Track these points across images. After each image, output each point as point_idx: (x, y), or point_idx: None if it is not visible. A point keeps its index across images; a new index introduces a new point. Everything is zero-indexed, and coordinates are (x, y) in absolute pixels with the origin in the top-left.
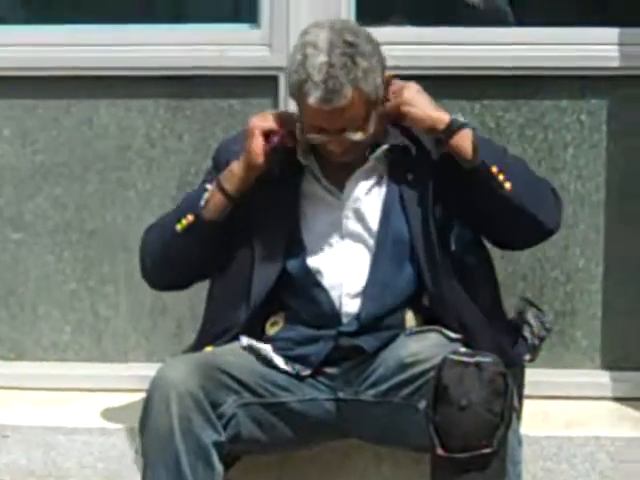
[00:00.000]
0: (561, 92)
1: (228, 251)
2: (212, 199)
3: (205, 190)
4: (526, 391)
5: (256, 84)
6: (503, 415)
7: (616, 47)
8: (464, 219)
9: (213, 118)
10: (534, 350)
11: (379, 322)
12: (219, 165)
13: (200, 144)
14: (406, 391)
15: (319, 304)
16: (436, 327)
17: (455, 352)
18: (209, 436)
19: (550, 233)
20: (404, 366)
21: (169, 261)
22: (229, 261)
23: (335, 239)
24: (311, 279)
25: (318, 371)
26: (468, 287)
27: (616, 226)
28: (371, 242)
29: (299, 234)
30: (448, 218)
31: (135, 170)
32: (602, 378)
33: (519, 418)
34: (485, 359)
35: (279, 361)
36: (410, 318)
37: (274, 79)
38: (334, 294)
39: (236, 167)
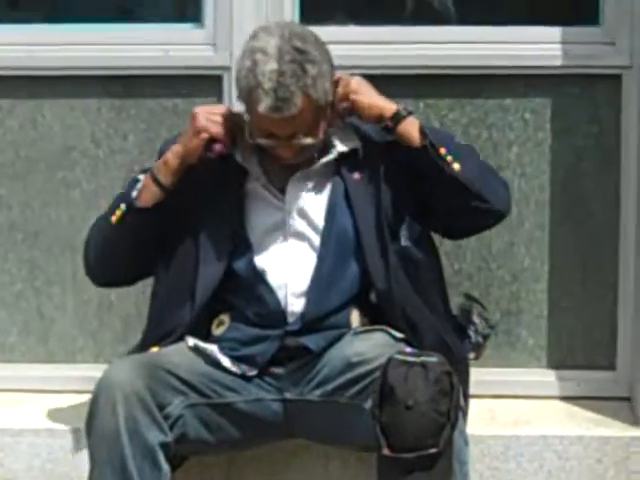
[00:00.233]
0: (505, 91)
1: (167, 245)
2: (145, 189)
3: (137, 181)
4: (473, 390)
5: (200, 83)
6: (449, 415)
7: (559, 46)
8: (415, 209)
9: (158, 118)
10: (478, 348)
11: (324, 321)
12: None
13: (145, 144)
14: (352, 391)
15: (265, 304)
16: (382, 327)
17: (401, 352)
18: (155, 437)
19: (501, 217)
20: (350, 366)
21: (108, 254)
22: (172, 259)
23: (279, 239)
24: (257, 278)
25: (264, 371)
26: (415, 284)
27: (561, 225)
28: (316, 241)
29: (244, 233)
30: (398, 213)
31: (80, 170)
32: (548, 377)
33: (465, 417)
34: (431, 359)
35: (225, 361)
36: (356, 317)
37: (218, 78)
38: (280, 293)
39: (170, 159)
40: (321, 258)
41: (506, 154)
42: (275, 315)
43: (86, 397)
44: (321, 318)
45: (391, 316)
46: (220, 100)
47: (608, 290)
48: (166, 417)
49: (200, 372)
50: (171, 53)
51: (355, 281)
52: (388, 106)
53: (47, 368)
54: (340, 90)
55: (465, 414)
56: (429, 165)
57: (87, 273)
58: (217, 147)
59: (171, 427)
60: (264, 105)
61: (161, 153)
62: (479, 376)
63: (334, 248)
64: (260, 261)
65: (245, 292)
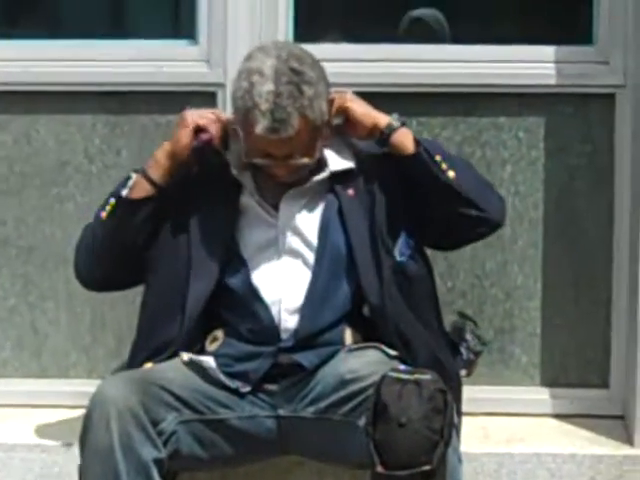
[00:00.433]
0: (499, 109)
1: (156, 254)
2: (136, 186)
3: (129, 178)
4: (466, 408)
5: (194, 100)
6: (443, 432)
7: (553, 65)
8: (410, 223)
9: (151, 134)
10: (470, 365)
11: (318, 338)
12: None
13: (138, 160)
14: (345, 408)
15: (259, 320)
16: (375, 344)
17: (394, 369)
18: (149, 453)
19: (496, 226)
20: (343, 383)
21: (97, 252)
22: (163, 271)
23: (273, 255)
24: (251, 294)
25: (258, 388)
26: (409, 299)
27: (554, 243)
28: (310, 258)
29: (237, 249)
30: (393, 228)
31: (73, 185)
32: (542, 395)
33: (458, 435)
34: (424, 376)
35: (220, 375)
36: (349, 335)
37: (212, 95)
38: (273, 310)
39: (160, 155)
40: (315, 275)
41: (500, 172)
42: (268, 331)
43: (79, 412)
44: (314, 335)
45: (384, 332)
46: None
47: (601, 308)
48: (160, 433)
49: (194, 388)
50: (165, 69)
51: (347, 298)
52: (381, 117)
53: (40, 383)
54: (335, 101)
55: (458, 431)
56: (424, 172)
57: (77, 276)
58: (204, 136)
59: (165, 443)
60: (261, 126)
61: None
62: (472, 394)
63: (328, 265)
64: (254, 277)
65: (239, 308)
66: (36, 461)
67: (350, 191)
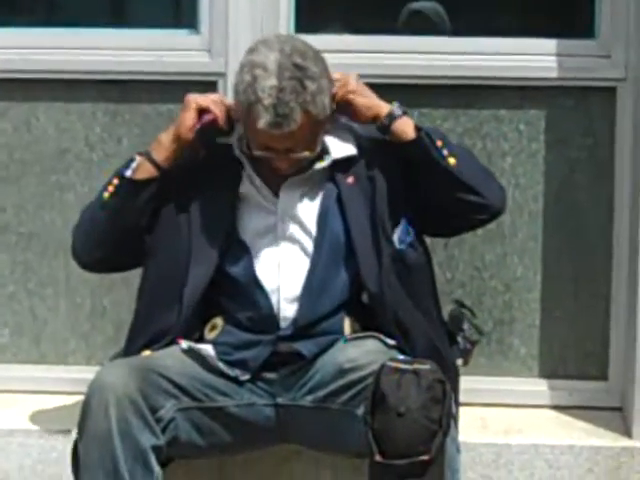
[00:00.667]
0: (499, 102)
1: (160, 241)
2: (139, 167)
3: (133, 160)
4: (464, 398)
5: (195, 89)
6: (441, 422)
7: (554, 58)
8: (410, 208)
9: (152, 123)
10: (466, 355)
11: (317, 327)
12: None
13: (139, 148)
14: (344, 397)
15: (258, 308)
16: (374, 333)
17: (393, 359)
18: (148, 439)
19: (496, 213)
20: (342, 372)
21: (96, 230)
22: (162, 257)
23: (272, 243)
24: (251, 282)
25: (257, 376)
26: (408, 287)
27: (554, 235)
28: (308, 246)
29: (236, 235)
30: (393, 216)
31: (74, 173)
32: (540, 386)
33: (456, 424)
34: (423, 366)
35: (219, 363)
36: (348, 324)
37: (213, 84)
38: (272, 298)
39: (164, 137)
40: (314, 263)
41: (500, 164)
42: (268, 320)
43: (78, 398)
44: (313, 324)
45: (383, 320)
46: None
47: (600, 300)
48: (158, 420)
49: (192, 376)
50: (166, 59)
51: (346, 286)
52: (383, 106)
53: (39, 369)
54: (337, 90)
55: (456, 421)
56: (424, 158)
57: (74, 257)
58: (207, 116)
59: (163, 430)
60: (263, 121)
61: None
62: (471, 384)
63: (326, 253)
64: (253, 265)
65: (238, 296)
66: (34, 447)
67: (350, 179)
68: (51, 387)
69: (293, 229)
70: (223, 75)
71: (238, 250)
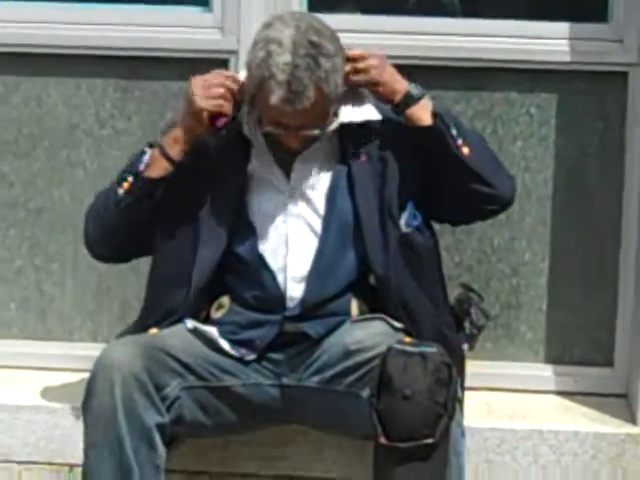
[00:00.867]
0: (511, 85)
1: (166, 223)
2: (154, 163)
3: (144, 153)
4: (470, 383)
5: (207, 67)
6: (446, 405)
7: (567, 42)
8: (419, 195)
9: (163, 100)
10: (472, 339)
11: (324, 307)
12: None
13: (149, 126)
14: (350, 379)
15: (265, 287)
16: (381, 315)
17: (400, 341)
18: (152, 418)
19: (506, 204)
20: (348, 353)
21: (110, 226)
22: (172, 239)
23: (281, 222)
24: (257, 261)
25: (263, 356)
26: (414, 271)
27: (563, 220)
28: (317, 225)
29: (245, 214)
30: (401, 198)
31: (83, 149)
32: (546, 372)
33: (462, 408)
34: (430, 349)
35: (224, 344)
36: (355, 305)
37: (225, 62)
38: (279, 277)
39: (180, 136)
40: (322, 243)
41: (510, 148)
42: (274, 299)
43: (83, 376)
44: (321, 304)
45: (389, 303)
46: None
47: (608, 287)
48: (163, 399)
49: (198, 355)
50: (178, 36)
51: (354, 267)
52: (401, 87)
53: (45, 345)
54: (360, 65)
55: (462, 405)
56: (439, 145)
57: (86, 244)
58: (219, 123)
59: (168, 409)
60: (276, 97)
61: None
62: (476, 369)
63: (335, 233)
64: (260, 244)
65: (245, 275)
66: (39, 423)
67: (362, 157)
68: (56, 364)
69: (302, 208)
70: (235, 53)
71: (246, 230)
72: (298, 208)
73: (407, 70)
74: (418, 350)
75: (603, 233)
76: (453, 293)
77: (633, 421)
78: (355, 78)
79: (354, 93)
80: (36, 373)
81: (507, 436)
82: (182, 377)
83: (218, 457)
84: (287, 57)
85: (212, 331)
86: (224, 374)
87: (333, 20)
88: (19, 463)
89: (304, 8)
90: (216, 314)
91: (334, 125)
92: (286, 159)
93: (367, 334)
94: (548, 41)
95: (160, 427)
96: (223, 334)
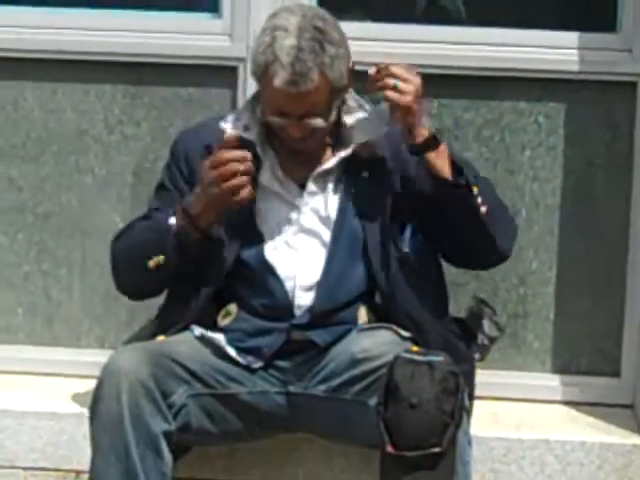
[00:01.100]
0: (520, 94)
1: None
2: (184, 232)
3: (171, 215)
4: (476, 391)
5: (215, 74)
6: (454, 414)
7: (576, 51)
8: (422, 230)
9: (172, 106)
10: (484, 350)
11: (332, 316)
12: (178, 156)
13: (158, 132)
14: (357, 387)
15: (273, 295)
16: (389, 324)
17: (407, 350)
18: (159, 425)
19: (505, 260)
20: (355, 362)
21: (143, 284)
22: None
23: (290, 233)
24: (266, 270)
25: (270, 364)
26: (417, 289)
27: (570, 229)
28: (327, 238)
29: (255, 225)
30: (403, 219)
31: (92, 155)
32: (552, 381)
33: (469, 417)
34: (437, 358)
35: (231, 352)
36: (363, 314)
37: (234, 69)
38: (288, 286)
39: (207, 209)
40: (331, 253)
41: (519, 157)
42: (282, 307)
43: (90, 382)
44: (329, 313)
45: (396, 316)
46: (234, 91)
47: (615, 297)
48: (170, 406)
49: (205, 362)
50: (187, 42)
51: (362, 279)
52: (425, 128)
53: (52, 351)
54: (402, 85)
55: (469, 414)
56: (455, 201)
57: (118, 289)
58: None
59: (174, 416)
60: (280, 79)
61: (176, 144)
62: (483, 378)
63: (345, 245)
64: (269, 253)
65: (253, 283)
66: (46, 429)
67: (365, 174)
68: (63, 370)
69: (313, 222)
70: (243, 60)
71: (255, 238)
72: (307, 222)
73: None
74: (425, 359)
75: (611, 242)
76: (460, 301)
77: (639, 431)
78: (393, 96)
79: (373, 119)
80: (43, 379)
81: (513, 446)
82: (189, 384)
83: (224, 465)
84: (292, 40)
85: (219, 338)
86: (231, 382)
87: (343, 28)
88: (25, 469)
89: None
90: (223, 321)
91: (350, 149)
92: (298, 175)
93: (374, 343)
94: (557, 51)
95: (167, 434)
96: (230, 341)
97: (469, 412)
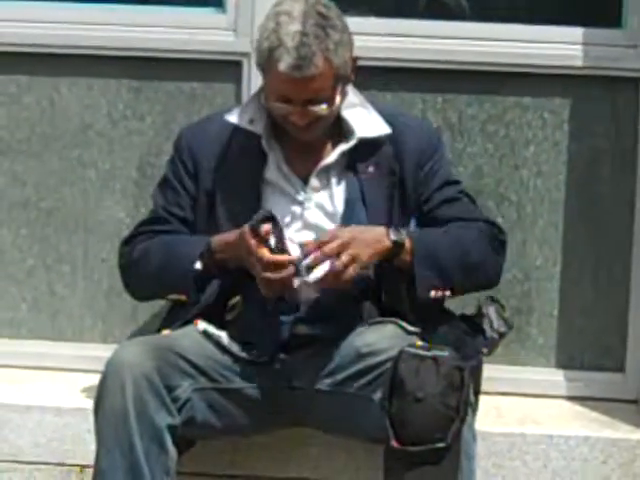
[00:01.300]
0: (524, 89)
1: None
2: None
3: (196, 259)
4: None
5: (220, 69)
6: (458, 409)
7: (580, 47)
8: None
9: (175, 101)
10: (491, 345)
11: (336, 311)
12: (181, 151)
13: (162, 126)
14: (362, 382)
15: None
16: (394, 319)
17: (412, 345)
18: (163, 419)
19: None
20: (360, 356)
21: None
22: None
23: (295, 229)
24: None
25: (274, 358)
26: None
27: (575, 225)
28: None
29: None
30: (404, 212)
31: (96, 150)
32: (556, 376)
33: (474, 412)
34: (442, 353)
35: (234, 347)
36: (368, 309)
37: (238, 64)
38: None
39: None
40: None
41: (523, 152)
42: (287, 302)
43: (93, 376)
44: (334, 308)
45: (401, 312)
46: (239, 86)
47: (620, 292)
48: (174, 400)
49: (209, 356)
50: (191, 37)
51: (369, 274)
52: (386, 243)
53: (55, 346)
54: (334, 246)
55: (474, 409)
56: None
57: (126, 291)
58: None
59: (179, 410)
60: (285, 64)
61: (179, 140)
62: (487, 373)
63: None
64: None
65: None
66: (50, 424)
67: (371, 169)
68: (67, 364)
69: (318, 218)
70: (248, 55)
71: None
72: (313, 217)
73: (421, 73)
74: (430, 354)
75: (615, 238)
76: (467, 300)
77: None
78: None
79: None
80: (47, 374)
81: (517, 441)
82: (193, 378)
83: (228, 459)
84: (297, 26)
85: (221, 335)
86: (235, 376)
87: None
88: (29, 464)
89: None
90: (228, 315)
91: (351, 143)
92: (303, 170)
93: (379, 337)
94: (562, 46)
95: (171, 428)
96: (234, 336)
97: (474, 407)
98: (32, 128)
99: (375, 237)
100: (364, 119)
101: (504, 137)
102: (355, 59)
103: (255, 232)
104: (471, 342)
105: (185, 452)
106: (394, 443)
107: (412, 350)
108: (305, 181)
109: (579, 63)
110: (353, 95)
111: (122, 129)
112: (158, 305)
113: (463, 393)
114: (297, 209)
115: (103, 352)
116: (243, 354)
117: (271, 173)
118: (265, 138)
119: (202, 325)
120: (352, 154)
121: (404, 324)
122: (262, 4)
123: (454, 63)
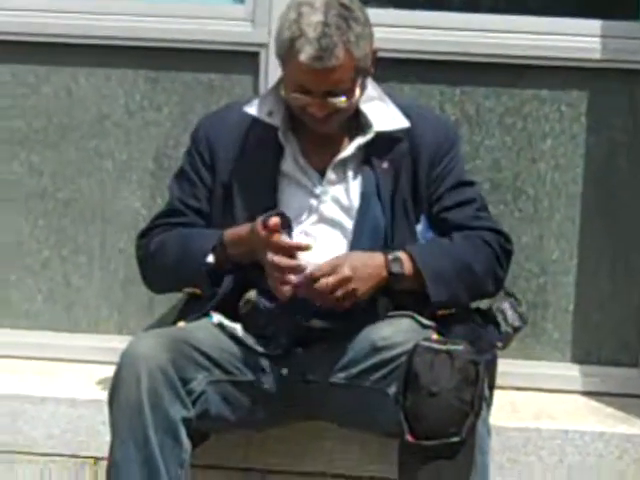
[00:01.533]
0: (542, 82)
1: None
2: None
3: (209, 252)
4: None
5: (237, 59)
6: (473, 404)
7: (599, 39)
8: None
9: (193, 92)
10: (506, 339)
11: (352, 305)
12: (198, 142)
13: (179, 117)
14: (376, 375)
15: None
16: (409, 313)
17: (427, 339)
18: (178, 411)
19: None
20: (375, 350)
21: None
22: None
23: (311, 222)
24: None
25: (289, 351)
26: None
27: (592, 218)
28: (348, 228)
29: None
30: (417, 209)
31: (113, 140)
32: (572, 371)
33: (489, 407)
34: (457, 347)
35: (249, 340)
36: (383, 303)
37: (255, 55)
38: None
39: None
40: (354, 243)
41: (540, 145)
42: (302, 295)
43: (109, 368)
44: None
45: (416, 306)
46: (256, 77)
47: (637, 286)
48: (189, 392)
49: (224, 349)
50: (209, 27)
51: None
52: (383, 274)
53: (71, 337)
54: (332, 280)
55: (489, 403)
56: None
57: (144, 283)
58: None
59: (193, 403)
60: (305, 54)
61: (197, 130)
62: (503, 367)
63: (366, 235)
64: (290, 240)
65: None
66: (64, 415)
67: (384, 164)
68: (82, 356)
69: (334, 212)
70: (265, 46)
71: None
72: (328, 211)
73: (438, 65)
74: (445, 348)
75: (632, 232)
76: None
77: None
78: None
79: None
80: (62, 365)
81: (532, 436)
82: (208, 371)
83: (242, 453)
84: (319, 16)
85: (236, 327)
86: (249, 369)
87: None
88: (43, 455)
89: None
90: (243, 309)
91: (369, 136)
92: (319, 163)
93: (394, 331)
94: (579, 38)
95: (185, 421)
96: (249, 329)
97: (489, 402)
98: (49, 118)
99: (375, 269)
100: (382, 112)
101: (521, 130)
102: (375, 52)
103: (266, 225)
104: (486, 336)
105: (199, 445)
106: (408, 437)
107: (427, 344)
108: (322, 174)
109: (597, 56)
110: (372, 88)
111: (139, 120)
112: (175, 297)
113: (478, 387)
114: (313, 202)
115: (118, 343)
116: (258, 347)
117: (288, 165)
118: (282, 130)
119: (217, 317)
120: (369, 148)
121: (420, 318)
122: None
123: (472, 55)
